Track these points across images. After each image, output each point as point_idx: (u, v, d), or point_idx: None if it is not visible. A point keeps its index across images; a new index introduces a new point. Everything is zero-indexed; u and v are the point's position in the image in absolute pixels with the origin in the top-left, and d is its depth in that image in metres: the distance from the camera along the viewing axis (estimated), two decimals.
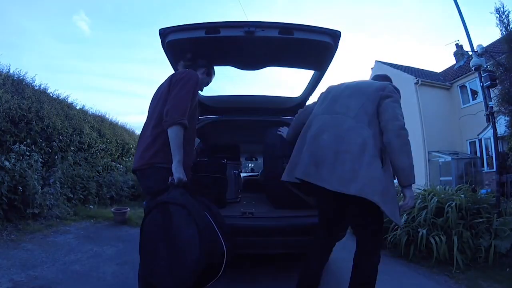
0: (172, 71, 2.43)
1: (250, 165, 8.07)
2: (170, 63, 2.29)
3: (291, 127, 2.07)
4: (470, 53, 4.23)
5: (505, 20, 5.13)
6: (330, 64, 2.29)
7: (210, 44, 2.08)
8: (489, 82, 3.50)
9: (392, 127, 1.38)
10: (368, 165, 1.33)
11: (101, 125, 6.61)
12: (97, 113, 7.08)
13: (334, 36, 1.98)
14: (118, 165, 6.60)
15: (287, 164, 2.61)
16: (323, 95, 1.74)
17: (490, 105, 3.44)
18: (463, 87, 12.03)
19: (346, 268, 2.65)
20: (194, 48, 2.16)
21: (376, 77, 1.79)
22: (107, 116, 7.44)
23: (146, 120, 1.64)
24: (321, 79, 2.56)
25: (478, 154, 11.01)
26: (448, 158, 10.76)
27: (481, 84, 3.62)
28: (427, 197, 3.19)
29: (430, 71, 14.68)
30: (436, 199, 3.01)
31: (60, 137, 4.78)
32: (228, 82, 2.82)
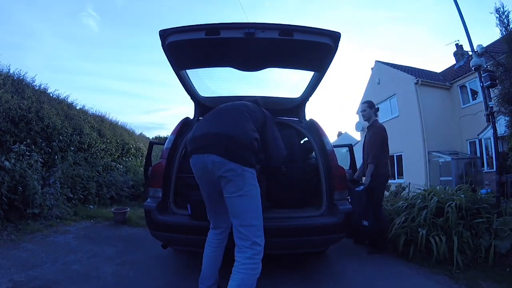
0: (172, 73, 2.44)
1: None
2: (171, 64, 2.29)
3: None
4: (470, 53, 4.23)
5: (505, 20, 5.14)
6: (330, 65, 2.30)
7: (210, 46, 2.08)
8: (489, 82, 3.49)
9: None
10: None
11: (101, 125, 6.61)
12: (97, 113, 7.11)
13: (334, 37, 1.98)
14: (118, 165, 6.60)
15: (285, 168, 2.66)
16: None
17: (490, 105, 3.43)
18: (463, 87, 12.03)
19: (345, 267, 2.66)
20: (194, 50, 2.16)
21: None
22: (107, 116, 7.47)
23: None
24: (321, 80, 2.56)
25: (478, 154, 11.01)
26: (448, 158, 10.76)
27: (481, 84, 3.61)
28: (427, 197, 3.19)
29: (430, 71, 14.68)
30: (436, 199, 3.01)
31: (60, 137, 4.78)
32: (228, 83, 2.81)
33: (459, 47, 13.54)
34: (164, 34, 1.97)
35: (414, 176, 10.56)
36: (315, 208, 2.45)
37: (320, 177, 2.45)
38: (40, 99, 4.84)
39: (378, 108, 3.46)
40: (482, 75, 3.58)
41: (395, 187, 8.39)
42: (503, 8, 5.17)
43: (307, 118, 2.98)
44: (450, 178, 10.07)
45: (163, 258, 2.77)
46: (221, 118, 1.70)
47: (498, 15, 5.20)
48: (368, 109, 3.31)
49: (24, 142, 3.98)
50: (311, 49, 2.06)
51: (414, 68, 14.52)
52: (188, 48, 2.08)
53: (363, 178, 3.22)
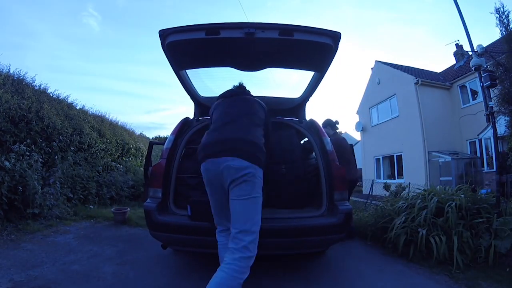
0: (172, 73, 2.44)
1: None
2: (171, 64, 2.29)
3: None
4: (470, 53, 4.22)
5: (505, 20, 5.15)
6: (330, 65, 2.29)
7: (210, 46, 2.08)
8: (489, 82, 3.49)
9: None
10: None
11: (101, 125, 6.62)
12: (97, 113, 7.12)
13: (334, 37, 1.97)
14: (118, 165, 6.60)
15: (285, 169, 2.68)
16: None
17: (490, 105, 3.43)
18: (463, 87, 12.03)
19: (345, 267, 2.66)
20: (194, 50, 2.16)
21: None
22: (107, 116, 7.48)
23: None
24: (321, 80, 2.55)
25: (478, 154, 11.01)
26: (448, 158, 10.76)
27: (481, 84, 3.61)
28: (427, 197, 3.19)
29: (430, 71, 14.68)
30: (436, 199, 3.01)
31: (60, 137, 4.78)
32: (228, 83, 2.81)
33: (459, 47, 13.55)
34: (164, 34, 1.96)
35: (414, 176, 10.56)
36: (315, 209, 2.45)
37: (320, 177, 2.45)
38: (40, 99, 4.84)
39: (335, 122, 3.99)
40: (482, 75, 3.57)
41: (395, 187, 8.41)
42: (503, 8, 5.18)
43: (307, 118, 2.97)
44: (450, 178, 10.07)
45: (163, 258, 2.77)
46: (234, 125, 1.77)
47: (498, 15, 5.21)
48: (324, 128, 3.81)
49: (24, 142, 3.98)
50: (311, 49, 2.05)
51: (414, 68, 14.53)
52: (188, 48, 2.08)
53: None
